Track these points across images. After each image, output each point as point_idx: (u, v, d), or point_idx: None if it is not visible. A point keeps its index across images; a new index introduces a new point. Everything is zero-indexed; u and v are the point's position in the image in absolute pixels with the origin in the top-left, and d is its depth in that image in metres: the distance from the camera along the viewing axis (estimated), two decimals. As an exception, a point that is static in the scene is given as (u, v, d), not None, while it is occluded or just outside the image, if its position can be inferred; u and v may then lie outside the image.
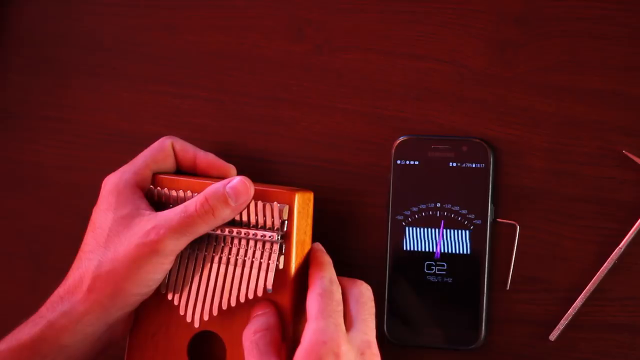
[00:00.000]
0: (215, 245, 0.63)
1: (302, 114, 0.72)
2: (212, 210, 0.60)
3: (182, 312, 0.62)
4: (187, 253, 0.63)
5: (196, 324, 0.62)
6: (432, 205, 0.68)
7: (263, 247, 0.61)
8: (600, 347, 0.65)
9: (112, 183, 0.65)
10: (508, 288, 0.67)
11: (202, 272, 0.63)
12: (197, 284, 0.63)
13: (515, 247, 0.67)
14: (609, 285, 0.65)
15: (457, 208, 0.67)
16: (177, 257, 0.62)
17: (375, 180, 0.70)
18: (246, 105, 0.73)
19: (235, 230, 0.62)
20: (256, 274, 0.61)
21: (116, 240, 0.61)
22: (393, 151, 0.69)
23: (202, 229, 0.61)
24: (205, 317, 0.62)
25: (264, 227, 0.62)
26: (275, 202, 0.61)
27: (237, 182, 0.61)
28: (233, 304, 0.61)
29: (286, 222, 0.61)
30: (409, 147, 0.69)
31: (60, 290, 0.62)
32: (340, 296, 0.60)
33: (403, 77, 0.70)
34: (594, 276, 0.65)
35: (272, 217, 0.61)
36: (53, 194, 0.77)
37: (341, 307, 0.60)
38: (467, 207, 0.67)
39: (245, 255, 0.62)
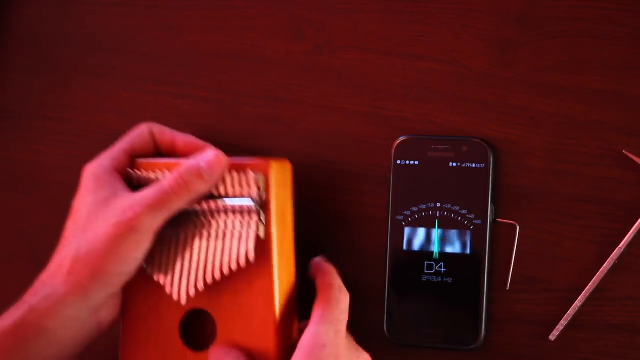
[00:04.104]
0: (195, 221, 0.63)
1: (302, 114, 0.72)
2: (186, 184, 0.61)
3: (168, 291, 0.63)
4: (169, 232, 0.63)
5: (183, 301, 0.62)
6: (432, 205, 0.68)
7: (242, 217, 0.61)
8: (600, 347, 0.65)
9: (90, 170, 0.65)
10: (508, 288, 0.67)
11: (184, 249, 0.63)
12: (180, 261, 0.63)
13: (515, 247, 0.67)
14: (609, 285, 0.65)
15: (457, 208, 0.67)
16: (156, 235, 0.62)
17: (375, 180, 0.70)
18: (246, 105, 0.73)
19: (213, 203, 0.62)
20: (237, 245, 0.61)
21: (95, 222, 0.62)
22: (393, 151, 0.69)
23: (178, 204, 0.61)
24: (192, 293, 0.62)
25: (241, 198, 0.62)
26: (249, 171, 0.61)
27: (210, 156, 0.62)
28: (217, 277, 0.61)
29: (263, 191, 0.61)
30: (409, 147, 0.69)
31: (43, 276, 0.63)
32: (347, 306, 0.61)
33: (403, 77, 0.70)
34: (594, 276, 0.65)
35: (249, 186, 0.61)
36: (53, 194, 0.77)
37: (346, 317, 0.60)
38: (467, 207, 0.67)
39: (226, 227, 0.62)
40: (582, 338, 0.66)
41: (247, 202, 0.61)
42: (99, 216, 0.62)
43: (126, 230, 0.60)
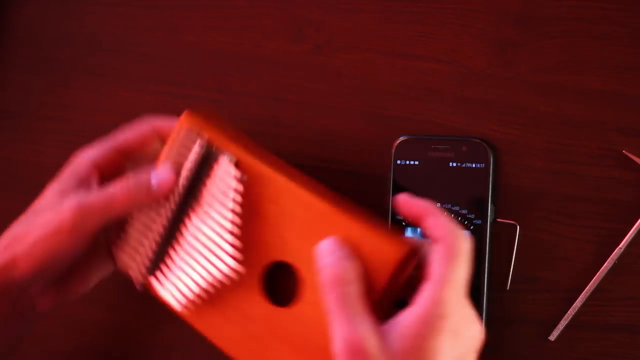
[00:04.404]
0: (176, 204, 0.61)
1: (302, 114, 0.72)
2: (131, 197, 0.60)
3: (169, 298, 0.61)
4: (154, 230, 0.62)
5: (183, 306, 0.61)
6: (432, 205, 0.68)
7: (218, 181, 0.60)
8: (600, 347, 0.65)
9: (74, 157, 0.65)
10: (508, 288, 0.67)
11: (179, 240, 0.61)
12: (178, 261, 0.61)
13: (515, 247, 0.67)
14: (609, 285, 0.65)
15: (457, 208, 0.67)
16: (94, 236, 0.61)
17: (375, 180, 0.70)
18: (246, 105, 0.73)
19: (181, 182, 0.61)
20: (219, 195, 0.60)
21: (41, 212, 0.61)
22: (393, 151, 0.69)
23: (120, 212, 0.61)
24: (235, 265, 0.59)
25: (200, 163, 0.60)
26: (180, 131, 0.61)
27: (163, 174, 0.61)
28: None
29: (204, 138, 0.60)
30: (409, 147, 0.69)
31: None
32: (470, 257, 0.53)
33: (403, 77, 0.70)
34: (594, 276, 0.65)
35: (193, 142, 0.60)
36: (53, 194, 0.77)
37: (468, 272, 0.53)
38: (467, 207, 0.67)
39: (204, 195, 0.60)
40: (582, 338, 0.66)
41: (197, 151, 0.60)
42: (48, 207, 0.62)
43: (55, 228, 0.59)
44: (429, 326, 0.50)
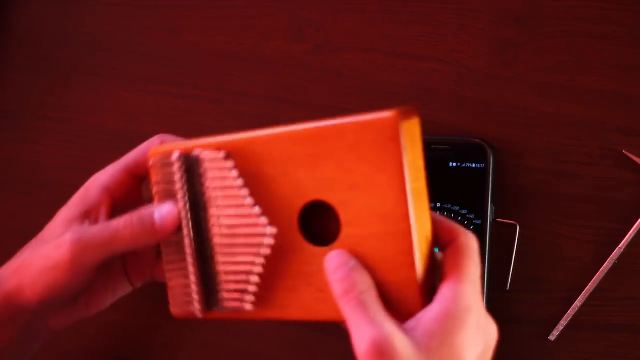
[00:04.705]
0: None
1: (302, 114, 0.72)
2: (135, 235, 0.59)
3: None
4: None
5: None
6: (432, 205, 0.68)
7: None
8: (600, 347, 0.65)
9: (88, 182, 0.64)
10: (508, 288, 0.67)
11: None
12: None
13: (515, 247, 0.67)
14: (609, 285, 0.65)
15: (457, 208, 0.67)
16: (96, 270, 0.60)
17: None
18: (246, 105, 0.73)
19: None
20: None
21: (47, 243, 0.61)
22: (393, 151, 0.69)
23: (122, 249, 0.60)
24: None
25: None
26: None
27: (165, 211, 0.59)
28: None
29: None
30: (409, 147, 0.69)
31: (8, 263, 0.62)
32: (478, 255, 0.53)
33: (403, 77, 0.70)
34: (594, 276, 0.65)
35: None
36: (53, 194, 0.77)
37: (480, 270, 0.53)
38: (467, 207, 0.67)
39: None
40: (582, 338, 0.66)
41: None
42: (52, 237, 0.61)
43: (54, 263, 0.59)
44: (455, 320, 0.49)
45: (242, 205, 0.58)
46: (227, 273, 0.59)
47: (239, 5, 0.74)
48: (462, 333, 0.50)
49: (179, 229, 0.60)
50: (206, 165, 0.59)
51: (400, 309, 0.52)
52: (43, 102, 0.78)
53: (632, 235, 0.65)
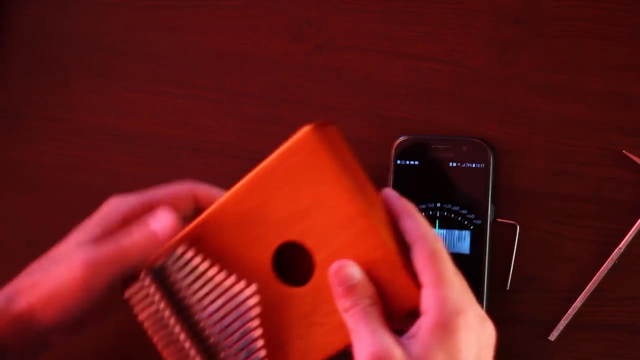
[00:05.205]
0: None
1: (302, 114, 0.72)
2: (140, 247, 0.59)
3: None
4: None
5: None
6: (432, 205, 0.68)
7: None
8: (600, 347, 0.65)
9: (105, 204, 0.63)
10: (508, 288, 0.67)
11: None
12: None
13: (515, 247, 0.67)
14: (609, 285, 0.65)
15: (457, 208, 0.67)
16: (106, 290, 0.59)
17: (375, 180, 0.70)
18: (246, 105, 0.73)
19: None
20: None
21: (58, 262, 0.60)
22: (393, 151, 0.69)
23: (131, 264, 0.59)
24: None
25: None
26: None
27: (163, 215, 0.60)
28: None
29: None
30: (409, 147, 0.69)
31: (12, 283, 0.61)
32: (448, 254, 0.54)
33: (403, 77, 0.70)
34: (594, 276, 0.65)
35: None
36: (53, 194, 0.77)
37: (455, 272, 0.54)
38: (467, 207, 0.67)
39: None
40: (582, 338, 0.66)
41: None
42: (63, 256, 0.60)
43: (67, 283, 0.58)
44: (445, 328, 0.51)
45: (218, 283, 0.59)
46: (236, 353, 0.59)
47: (239, 5, 0.74)
48: (454, 338, 0.51)
49: (171, 332, 0.60)
50: (172, 267, 0.60)
51: (400, 299, 0.54)
52: (43, 102, 0.78)
53: (632, 235, 0.65)
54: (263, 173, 0.57)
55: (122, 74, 0.76)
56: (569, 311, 0.65)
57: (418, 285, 0.54)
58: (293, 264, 0.58)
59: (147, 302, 0.61)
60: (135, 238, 0.60)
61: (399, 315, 0.55)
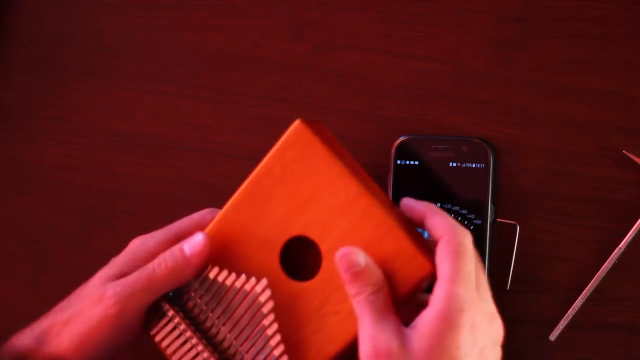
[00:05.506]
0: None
1: (302, 114, 0.72)
2: (170, 271, 0.59)
3: None
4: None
5: None
6: (432, 205, 0.68)
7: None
8: (600, 347, 0.65)
9: (131, 244, 0.63)
10: (508, 288, 0.67)
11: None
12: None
13: (515, 247, 0.67)
14: (609, 285, 0.65)
15: (457, 208, 0.67)
16: (143, 316, 0.59)
17: (375, 180, 0.70)
18: (246, 105, 0.73)
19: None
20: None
21: (88, 297, 0.59)
22: (393, 151, 0.69)
23: (163, 289, 0.59)
24: None
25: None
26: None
27: (197, 241, 0.59)
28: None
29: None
30: (409, 147, 0.69)
31: (40, 323, 0.61)
32: (473, 250, 0.55)
33: (403, 77, 0.70)
34: (594, 276, 0.65)
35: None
36: (53, 194, 0.77)
37: (474, 265, 0.54)
38: (467, 207, 0.67)
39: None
40: (582, 338, 0.66)
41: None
42: (91, 294, 0.60)
43: (100, 320, 0.58)
44: (446, 322, 0.51)
45: (230, 285, 0.59)
46: (255, 356, 0.59)
47: (239, 5, 0.74)
48: (454, 334, 0.51)
49: (190, 349, 0.60)
50: (186, 287, 0.60)
51: (410, 271, 0.55)
52: (43, 102, 0.78)
53: (632, 235, 0.65)
54: (260, 175, 0.59)
55: (122, 74, 0.76)
56: (569, 311, 0.65)
57: (427, 255, 0.54)
58: (301, 261, 0.59)
59: (175, 336, 0.60)
60: (162, 261, 0.59)
61: (413, 291, 0.55)
